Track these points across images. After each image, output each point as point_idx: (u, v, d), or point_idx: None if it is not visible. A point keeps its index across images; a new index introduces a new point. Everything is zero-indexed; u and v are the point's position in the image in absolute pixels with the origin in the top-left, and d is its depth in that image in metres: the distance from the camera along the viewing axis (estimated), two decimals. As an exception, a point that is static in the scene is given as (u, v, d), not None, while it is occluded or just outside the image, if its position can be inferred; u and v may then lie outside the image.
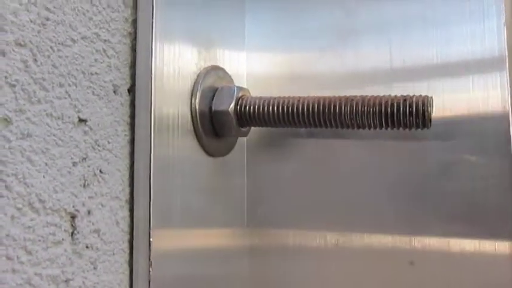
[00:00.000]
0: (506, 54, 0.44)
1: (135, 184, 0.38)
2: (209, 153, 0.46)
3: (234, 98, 0.45)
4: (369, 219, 0.49)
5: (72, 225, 0.33)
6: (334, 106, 0.41)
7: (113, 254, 0.37)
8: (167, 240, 0.40)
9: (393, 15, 0.49)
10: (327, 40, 0.51)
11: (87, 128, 0.35)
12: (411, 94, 0.39)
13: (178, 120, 0.42)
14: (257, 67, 0.53)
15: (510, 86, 0.44)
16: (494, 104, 0.44)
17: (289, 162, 0.52)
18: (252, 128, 0.50)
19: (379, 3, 0.50)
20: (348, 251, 0.49)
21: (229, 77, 0.49)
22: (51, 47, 0.32)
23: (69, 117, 0.33)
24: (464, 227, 0.46)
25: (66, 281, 0.32)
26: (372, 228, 0.49)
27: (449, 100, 0.46)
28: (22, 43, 0.30)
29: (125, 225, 0.38)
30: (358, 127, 0.41)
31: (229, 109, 0.44)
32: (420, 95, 0.39)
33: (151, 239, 0.38)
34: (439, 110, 0.45)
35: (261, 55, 0.54)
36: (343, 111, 0.41)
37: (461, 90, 0.45)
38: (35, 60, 0.31)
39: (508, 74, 0.44)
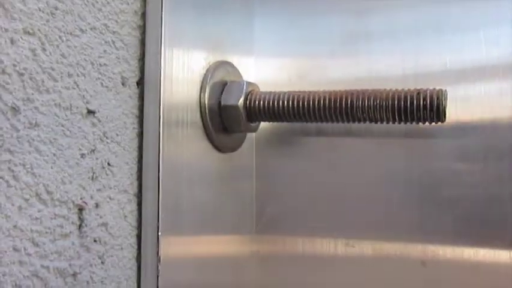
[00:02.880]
0: None
1: (143, 178, 0.38)
2: (218, 148, 0.45)
3: (244, 93, 0.44)
4: (379, 224, 0.48)
5: (79, 217, 0.32)
6: (346, 100, 0.41)
7: (121, 248, 0.36)
8: (176, 235, 0.39)
9: (406, 21, 0.48)
10: (338, 46, 0.50)
11: (95, 120, 0.34)
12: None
13: (187, 114, 0.42)
14: (266, 73, 0.52)
15: None
16: (507, 111, 0.44)
17: (297, 160, 0.52)
18: (261, 126, 0.49)
19: (391, 8, 0.49)
20: (358, 256, 0.48)
21: (238, 72, 0.48)
22: (59, 37, 0.32)
23: (77, 107, 0.33)
24: (477, 234, 0.45)
25: (74, 274, 0.32)
26: (382, 233, 0.48)
27: (463, 107, 0.45)
28: (31, 31, 0.30)
29: (132, 219, 0.37)
30: (371, 121, 0.41)
31: (239, 104, 0.44)
32: (434, 88, 0.38)
33: (159, 234, 0.37)
34: (452, 116, 0.44)
35: (270, 60, 0.53)
36: (355, 105, 0.40)
37: (474, 96, 0.45)
38: (44, 49, 0.31)
39: None
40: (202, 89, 0.43)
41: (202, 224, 0.43)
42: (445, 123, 0.44)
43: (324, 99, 0.41)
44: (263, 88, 0.47)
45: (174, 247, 0.39)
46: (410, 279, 0.47)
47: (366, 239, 0.48)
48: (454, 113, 0.44)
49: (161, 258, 0.37)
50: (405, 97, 0.38)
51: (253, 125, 0.46)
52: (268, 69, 0.53)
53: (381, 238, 0.48)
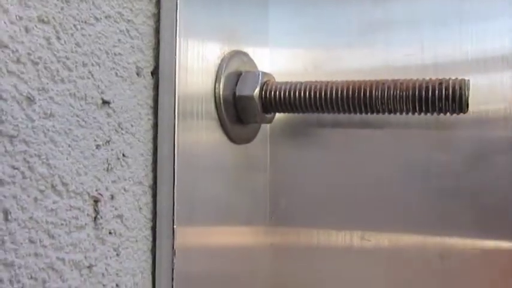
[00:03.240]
0: None
1: (158, 170, 0.37)
2: (232, 139, 0.44)
3: (259, 83, 0.43)
4: (396, 217, 0.47)
5: (95, 209, 0.32)
6: (365, 90, 0.40)
7: (136, 241, 0.36)
8: (191, 228, 0.39)
9: (426, 9, 0.47)
10: (355, 35, 0.49)
11: (110, 111, 0.34)
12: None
13: (202, 105, 0.41)
14: (281, 63, 0.51)
15: None
16: None
17: (312, 152, 0.51)
18: (276, 117, 0.48)
19: None
20: (374, 249, 0.48)
21: (253, 62, 0.48)
22: (74, 25, 0.31)
23: (92, 98, 0.32)
24: (498, 227, 0.44)
25: (89, 266, 0.31)
26: (399, 227, 0.47)
27: (484, 97, 0.44)
28: (45, 19, 0.29)
29: (147, 211, 0.37)
30: (390, 112, 0.40)
31: (254, 94, 0.43)
32: (456, 78, 0.37)
33: (174, 226, 0.37)
34: (474, 106, 0.43)
35: (285, 51, 0.52)
36: (373, 95, 0.39)
37: (496, 86, 0.43)
38: (58, 38, 0.30)
39: None
40: (217, 79, 0.42)
41: (217, 215, 0.43)
42: (465, 114, 0.43)
43: (342, 90, 0.40)
44: (278, 79, 0.46)
45: (189, 239, 0.39)
46: (428, 273, 0.46)
47: (382, 232, 0.48)
48: (476, 103, 0.43)
49: (176, 250, 0.37)
50: (427, 87, 0.37)
51: (268, 116, 0.45)
52: (283, 59, 0.52)
53: (398, 231, 0.47)
